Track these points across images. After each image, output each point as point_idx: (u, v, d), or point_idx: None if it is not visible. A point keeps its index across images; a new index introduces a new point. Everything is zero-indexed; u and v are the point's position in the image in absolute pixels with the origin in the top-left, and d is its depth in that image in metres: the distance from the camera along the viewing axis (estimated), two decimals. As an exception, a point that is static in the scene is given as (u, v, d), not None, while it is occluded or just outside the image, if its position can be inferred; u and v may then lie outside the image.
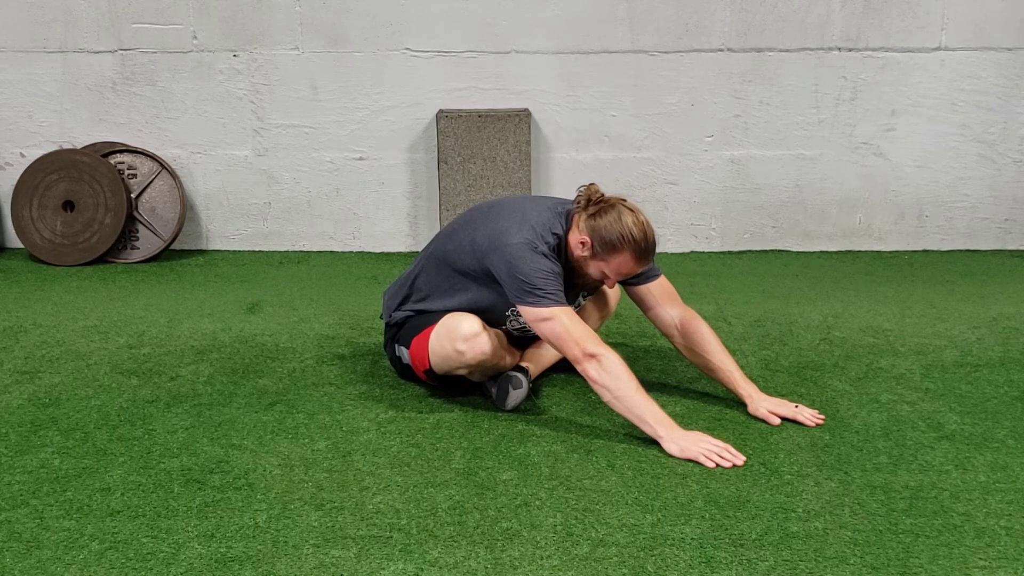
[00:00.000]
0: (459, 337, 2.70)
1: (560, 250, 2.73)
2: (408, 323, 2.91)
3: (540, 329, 2.65)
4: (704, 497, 2.29)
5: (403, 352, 2.91)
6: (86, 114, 4.80)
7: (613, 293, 3.14)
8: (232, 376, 3.08)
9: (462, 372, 2.79)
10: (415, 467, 2.46)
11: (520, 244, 2.66)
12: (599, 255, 2.69)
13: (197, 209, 4.89)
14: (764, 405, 2.75)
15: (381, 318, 3.08)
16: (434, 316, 2.82)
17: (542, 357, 2.98)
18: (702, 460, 2.46)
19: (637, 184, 4.78)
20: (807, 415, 2.73)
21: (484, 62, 4.68)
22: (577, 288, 2.85)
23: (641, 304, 2.92)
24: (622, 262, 2.68)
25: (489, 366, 2.78)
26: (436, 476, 2.41)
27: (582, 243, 2.70)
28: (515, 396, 2.78)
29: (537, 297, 2.62)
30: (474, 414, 2.78)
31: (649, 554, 2.05)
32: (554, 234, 2.71)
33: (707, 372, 2.88)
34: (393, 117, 4.75)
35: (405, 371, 2.97)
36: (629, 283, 2.88)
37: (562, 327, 2.60)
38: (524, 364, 2.91)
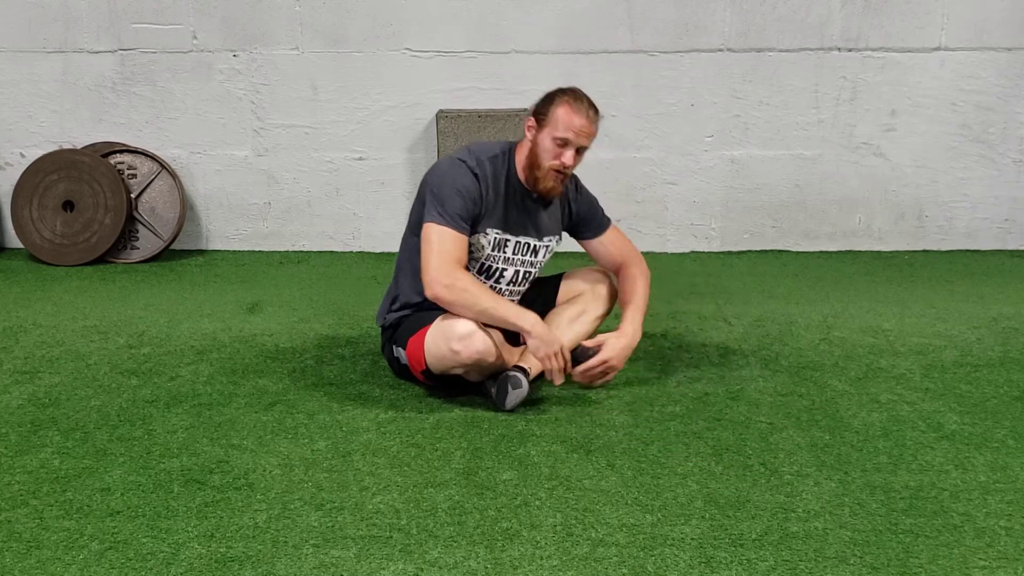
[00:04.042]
0: (454, 337, 2.70)
1: (498, 172, 2.85)
2: (403, 323, 2.91)
3: (422, 237, 2.78)
4: (704, 497, 2.29)
5: (400, 353, 2.91)
6: (86, 114, 4.80)
7: (606, 291, 3.09)
8: (232, 376, 3.08)
9: (458, 371, 2.79)
10: (415, 467, 2.46)
11: (448, 159, 2.85)
12: (542, 120, 2.81)
13: (197, 209, 4.89)
14: (605, 354, 2.86)
15: (377, 323, 3.09)
16: (429, 316, 2.83)
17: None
18: (544, 366, 2.73)
19: (637, 184, 4.78)
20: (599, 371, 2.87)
21: (484, 62, 4.68)
22: (539, 208, 2.93)
23: (596, 257, 3.12)
24: (562, 114, 2.77)
25: (485, 365, 2.78)
26: (436, 476, 2.41)
27: (528, 127, 2.84)
28: (515, 396, 2.78)
29: (436, 214, 2.74)
30: (474, 414, 2.78)
31: (649, 554, 2.05)
32: (492, 157, 2.86)
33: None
34: (393, 117, 4.75)
35: (403, 371, 2.97)
36: (583, 238, 3.08)
37: (436, 238, 2.73)
38: (523, 364, 2.91)
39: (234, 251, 4.89)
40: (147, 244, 4.75)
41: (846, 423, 2.71)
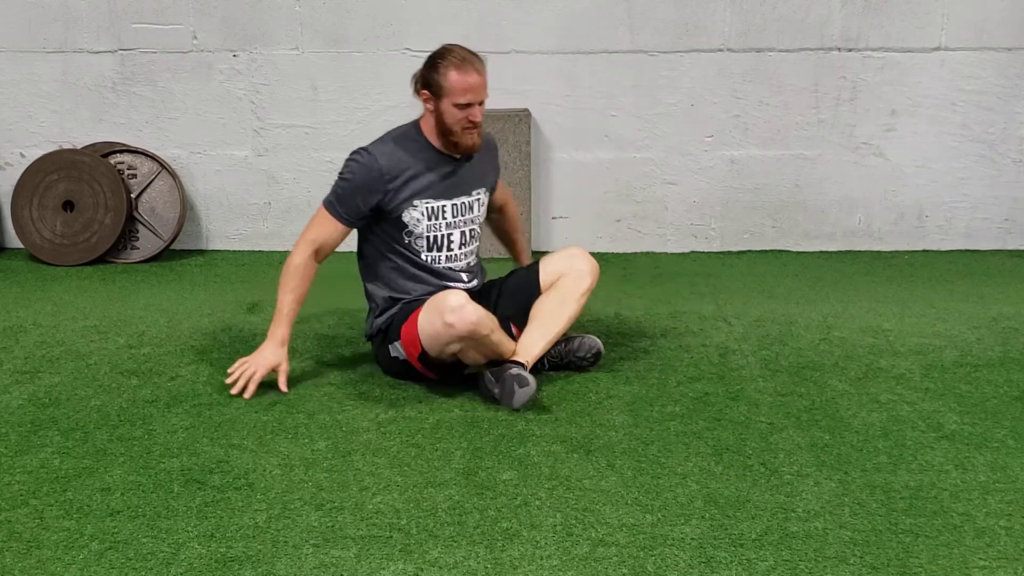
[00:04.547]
0: (446, 309, 2.72)
1: (410, 146, 2.98)
2: (394, 321, 2.95)
3: None
4: (704, 497, 2.29)
5: (397, 347, 2.92)
6: (86, 114, 4.80)
7: (585, 266, 3.06)
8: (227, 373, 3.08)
9: (454, 349, 2.79)
10: (415, 467, 2.46)
11: (352, 152, 3.00)
12: (436, 91, 2.89)
13: (197, 209, 4.89)
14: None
15: (366, 338, 3.13)
16: (419, 303, 2.87)
17: (532, 348, 2.94)
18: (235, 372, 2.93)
19: (637, 184, 4.78)
20: None
21: (484, 62, 4.67)
22: (462, 166, 3.02)
23: (494, 200, 3.25)
24: (455, 79, 2.86)
25: (480, 339, 2.76)
26: (436, 476, 2.41)
27: (425, 100, 2.93)
28: (523, 394, 2.76)
29: (324, 201, 2.99)
30: (474, 414, 2.78)
31: (649, 554, 2.05)
32: (399, 136, 3.01)
33: (503, 243, 3.44)
34: (393, 117, 4.73)
35: (403, 371, 2.98)
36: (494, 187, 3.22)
37: (313, 220, 2.99)
38: (520, 359, 2.88)
39: (234, 251, 4.89)
40: (147, 244, 4.75)
41: (846, 423, 2.71)
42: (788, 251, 4.83)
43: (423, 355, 2.84)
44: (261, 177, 4.83)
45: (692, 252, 4.84)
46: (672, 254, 4.81)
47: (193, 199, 4.88)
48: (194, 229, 4.91)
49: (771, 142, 4.74)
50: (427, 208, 2.96)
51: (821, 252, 4.82)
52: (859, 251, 4.83)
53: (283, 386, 2.93)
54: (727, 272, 4.48)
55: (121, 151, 4.74)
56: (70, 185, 4.66)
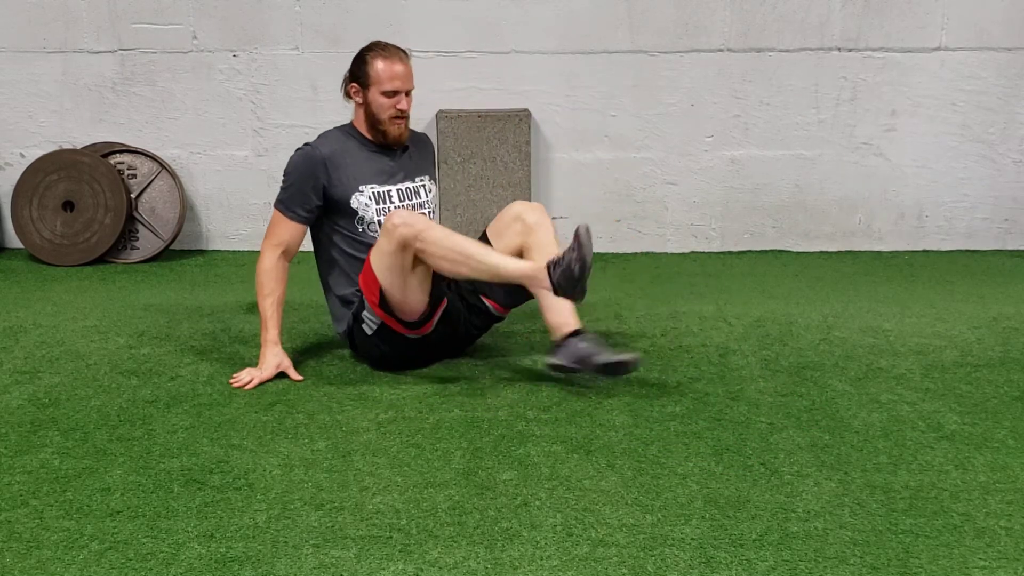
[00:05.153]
0: (389, 220, 2.80)
1: (346, 139, 3.10)
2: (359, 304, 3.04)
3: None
4: (704, 497, 2.29)
5: (367, 316, 2.98)
6: (86, 114, 4.80)
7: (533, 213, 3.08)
8: (232, 376, 3.08)
9: (408, 257, 2.79)
10: (415, 467, 2.46)
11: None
12: (363, 82, 3.05)
13: (197, 209, 4.89)
14: None
15: (352, 348, 3.18)
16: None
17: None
18: (243, 377, 2.99)
19: (637, 184, 4.78)
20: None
21: (484, 62, 4.68)
22: (399, 156, 3.13)
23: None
24: (381, 69, 3.01)
25: (420, 232, 2.77)
26: (436, 476, 2.41)
27: (355, 93, 3.08)
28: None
29: (275, 201, 3.09)
30: (474, 414, 2.78)
31: (649, 554, 2.05)
32: (337, 129, 3.13)
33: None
34: (393, 117, 4.75)
35: (385, 352, 3.03)
36: None
37: (271, 222, 3.08)
38: (577, 327, 2.92)
39: (234, 251, 4.89)
40: (147, 244, 4.75)
41: (846, 423, 2.71)
42: (788, 251, 4.83)
43: (383, 300, 2.89)
44: (261, 177, 4.83)
45: (692, 252, 4.84)
46: (672, 254, 4.81)
47: (193, 199, 4.88)
48: (194, 229, 4.91)
49: (771, 142, 4.74)
50: (373, 192, 3.06)
51: (821, 252, 4.82)
52: (859, 251, 4.83)
53: (295, 376, 3.03)
54: (727, 272, 4.48)
55: (121, 151, 4.74)
56: (70, 185, 4.66)
